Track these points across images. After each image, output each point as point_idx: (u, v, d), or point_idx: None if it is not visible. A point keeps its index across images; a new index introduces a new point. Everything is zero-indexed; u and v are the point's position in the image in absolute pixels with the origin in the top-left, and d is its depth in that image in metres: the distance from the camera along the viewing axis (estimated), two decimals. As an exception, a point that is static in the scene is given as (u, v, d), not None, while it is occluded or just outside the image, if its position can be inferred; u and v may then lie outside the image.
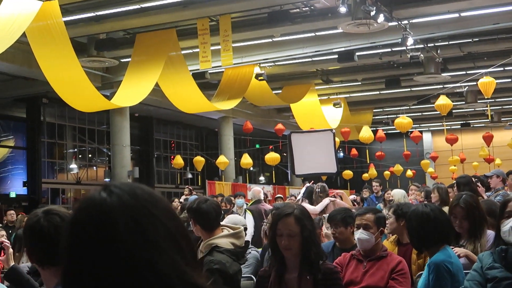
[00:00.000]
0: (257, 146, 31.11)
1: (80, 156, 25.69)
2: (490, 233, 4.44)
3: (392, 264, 4.20)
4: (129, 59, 15.80)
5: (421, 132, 29.73)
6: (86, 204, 1.28)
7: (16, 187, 22.84)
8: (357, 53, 17.25)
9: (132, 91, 15.12)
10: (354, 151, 28.79)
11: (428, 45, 17.41)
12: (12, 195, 22.33)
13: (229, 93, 17.80)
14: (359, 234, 4.33)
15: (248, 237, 7.79)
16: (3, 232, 9.48)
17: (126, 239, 1.21)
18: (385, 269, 4.21)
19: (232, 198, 12.89)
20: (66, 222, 1.31)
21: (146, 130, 27.48)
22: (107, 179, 22.90)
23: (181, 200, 14.10)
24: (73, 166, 24.16)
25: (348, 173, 28.69)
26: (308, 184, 9.77)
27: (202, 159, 24.27)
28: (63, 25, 12.48)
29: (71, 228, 1.27)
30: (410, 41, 14.86)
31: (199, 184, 26.57)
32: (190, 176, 28.53)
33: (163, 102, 17.70)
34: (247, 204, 11.20)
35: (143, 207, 1.26)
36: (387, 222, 5.01)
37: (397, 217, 5.11)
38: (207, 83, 19.64)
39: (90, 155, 26.41)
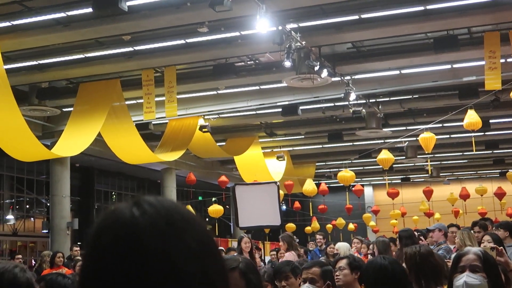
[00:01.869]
0: (200, 198, 30.88)
1: (17, 206, 24.99)
2: None
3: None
4: (72, 109, 15.60)
5: (362, 185, 30.07)
6: (113, 220, 1.11)
7: (-51, 238, 22.00)
8: (301, 107, 17.49)
9: (73, 141, 14.88)
10: (297, 204, 28.86)
11: (370, 100, 17.77)
12: None
13: (172, 145, 17.70)
14: (306, 289, 4.27)
15: None
16: None
17: (153, 274, 1.03)
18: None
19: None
20: (89, 235, 1.12)
21: (87, 181, 27.00)
22: (44, 231, 22.27)
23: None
24: (10, 217, 23.45)
25: (291, 226, 28.60)
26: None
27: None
28: (4, 73, 12.25)
29: (91, 248, 1.11)
30: (352, 96, 15.13)
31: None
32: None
33: (105, 153, 17.46)
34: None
35: (180, 240, 1.07)
36: (340, 273, 4.97)
37: (352, 269, 5.04)
38: (151, 134, 19.52)
39: (28, 206, 25.74)
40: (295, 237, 10.12)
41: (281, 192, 17.52)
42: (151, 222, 1.08)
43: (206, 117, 18.71)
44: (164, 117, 15.83)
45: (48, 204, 22.51)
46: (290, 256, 9.16)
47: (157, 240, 1.06)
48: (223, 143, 22.08)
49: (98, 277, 1.07)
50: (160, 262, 1.04)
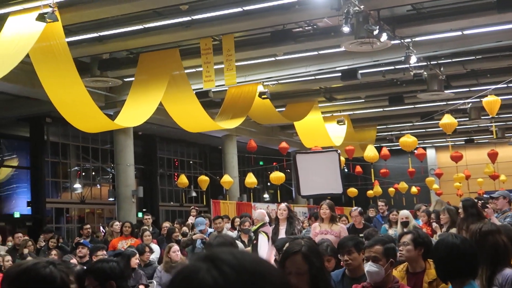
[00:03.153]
0: (261, 163, 31.05)
1: (83, 174, 25.66)
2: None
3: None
4: (133, 79, 15.80)
5: (424, 148, 29.66)
6: (190, 282, 1.07)
7: (20, 207, 22.77)
8: (360, 71, 17.26)
9: (136, 111, 15.09)
10: (358, 168, 28.70)
11: (431, 62, 17.40)
12: (16, 215, 22.26)
13: (232, 112, 17.77)
14: (368, 267, 4.25)
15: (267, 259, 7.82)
16: (9, 257, 9.22)
17: None
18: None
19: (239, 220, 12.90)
20: None
21: (150, 148, 27.44)
22: (111, 198, 22.83)
23: (190, 221, 14.01)
24: (77, 185, 24.10)
25: (352, 191, 28.56)
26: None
27: (207, 178, 24.19)
28: (66, 45, 12.48)
29: None
30: (413, 59, 14.83)
31: (204, 203, 26.48)
32: (194, 194, 28.46)
33: (166, 121, 17.67)
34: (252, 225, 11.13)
35: None
36: (403, 248, 4.93)
37: (416, 245, 4.96)
38: (211, 102, 19.62)
39: (93, 173, 26.40)
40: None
41: (342, 158, 17.40)
42: (229, 283, 1.05)
43: (265, 83, 18.67)
44: (223, 85, 15.88)
45: (113, 172, 23.04)
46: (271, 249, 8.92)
47: None
48: (283, 109, 22.05)
49: None
50: None
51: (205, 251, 1.15)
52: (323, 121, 23.02)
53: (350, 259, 5.10)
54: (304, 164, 10.81)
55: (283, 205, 9.55)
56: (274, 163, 26.94)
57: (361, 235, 8.00)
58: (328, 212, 8.59)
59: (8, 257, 9.15)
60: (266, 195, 33.64)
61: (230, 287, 1.04)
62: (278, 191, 25.74)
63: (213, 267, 1.07)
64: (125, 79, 17.52)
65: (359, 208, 11.06)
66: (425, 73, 17.10)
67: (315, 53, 16.54)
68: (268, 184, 31.43)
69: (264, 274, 1.09)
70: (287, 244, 3.74)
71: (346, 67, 16.95)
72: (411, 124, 24.72)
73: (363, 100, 23.72)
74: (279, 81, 19.53)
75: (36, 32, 11.48)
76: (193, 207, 16.41)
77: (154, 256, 10.83)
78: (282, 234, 8.89)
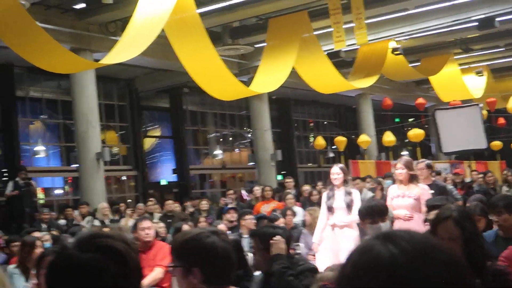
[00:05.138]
0: (397, 120, 30.48)
1: (221, 140, 26.38)
2: None
3: None
4: (264, 44, 15.94)
5: None
6: (370, 259, 1.10)
7: (166, 175, 23.83)
8: (498, 19, 16.39)
9: (269, 77, 15.25)
10: (501, 120, 27.46)
11: None
12: (163, 182, 23.31)
13: (365, 71, 17.53)
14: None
15: None
16: (162, 224, 9.55)
17: None
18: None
19: (381, 179, 12.72)
20: (344, 274, 1.14)
21: (285, 112, 27.67)
22: (251, 163, 23.34)
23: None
24: (218, 152, 24.82)
25: (496, 144, 27.37)
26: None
27: (344, 139, 24.13)
28: (198, 17, 12.78)
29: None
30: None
31: (342, 163, 26.41)
32: (331, 155, 28.45)
33: (299, 83, 17.71)
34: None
35: (439, 276, 1.07)
36: None
37: None
38: (342, 61, 19.43)
39: (231, 139, 27.08)
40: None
41: (484, 111, 16.71)
42: (410, 258, 1.08)
43: (397, 39, 18.22)
44: (354, 44, 15.67)
45: (251, 137, 23.50)
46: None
47: (418, 275, 1.06)
48: (417, 64, 21.45)
49: None
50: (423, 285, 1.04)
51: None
52: (461, 73, 22.17)
53: (499, 220, 4.90)
54: (444, 120, 10.52)
55: (336, 167, 8.01)
56: (412, 120, 26.35)
57: (430, 191, 7.42)
58: (404, 171, 7.37)
59: (161, 224, 9.48)
60: (404, 153, 33.04)
61: (406, 258, 1.07)
62: (418, 148, 25.20)
63: (387, 241, 1.11)
64: (256, 45, 17.70)
65: (426, 161, 9.43)
66: None
67: (449, 3, 15.89)
68: (406, 141, 30.84)
69: (436, 245, 1.12)
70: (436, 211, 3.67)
71: (482, 16, 16.16)
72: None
73: (503, 49, 22.54)
74: (412, 36, 18.95)
75: (169, 7, 11.82)
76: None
77: (298, 219, 10.93)
78: (338, 200, 7.78)
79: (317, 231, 7.91)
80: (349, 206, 7.64)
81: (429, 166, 9.02)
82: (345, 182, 7.83)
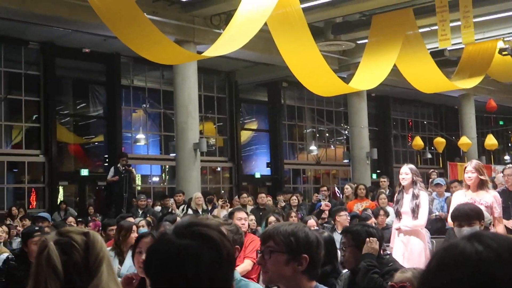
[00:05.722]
0: (501, 123, 29.44)
1: (318, 136, 26.32)
2: None
3: None
4: (366, 41, 15.76)
5: None
6: (456, 255, 1.12)
7: (260, 168, 24.02)
8: None
9: (369, 74, 15.05)
10: None
11: None
12: (257, 175, 23.53)
13: (470, 71, 17.01)
14: None
15: None
16: (252, 217, 9.62)
17: None
18: None
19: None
20: (429, 272, 1.16)
21: (383, 110, 27.30)
22: (345, 160, 23.18)
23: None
24: (313, 147, 24.79)
25: None
26: None
27: (443, 140, 23.57)
28: (301, 11, 12.78)
29: (437, 284, 1.13)
30: None
31: (440, 165, 25.85)
32: (429, 156, 27.87)
33: (400, 81, 17.41)
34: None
35: None
36: None
37: None
38: (446, 60, 18.92)
39: (327, 135, 26.97)
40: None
41: None
42: (496, 254, 1.09)
43: (506, 39, 17.57)
44: (460, 43, 15.24)
45: (347, 134, 23.33)
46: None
47: (505, 271, 1.07)
48: (526, 65, 20.61)
49: None
50: None
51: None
52: None
53: None
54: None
55: (405, 167, 7.42)
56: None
57: None
58: (474, 176, 6.53)
59: (252, 217, 9.53)
60: (507, 157, 31.89)
61: (491, 254, 1.09)
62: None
63: (473, 240, 1.12)
64: (358, 42, 17.53)
65: None
66: None
67: None
68: (509, 144, 29.77)
69: None
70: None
71: None
72: None
73: None
74: (521, 36, 18.23)
75: (273, 1, 11.87)
76: (432, 170, 16.04)
77: (390, 220, 10.76)
78: (406, 204, 7.22)
79: (392, 236, 7.49)
80: (414, 211, 7.12)
81: None
82: (414, 183, 7.23)
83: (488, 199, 6.42)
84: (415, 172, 7.30)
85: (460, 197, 6.62)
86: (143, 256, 3.75)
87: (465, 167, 6.70)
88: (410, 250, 7.10)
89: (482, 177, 6.53)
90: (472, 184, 6.53)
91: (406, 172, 7.25)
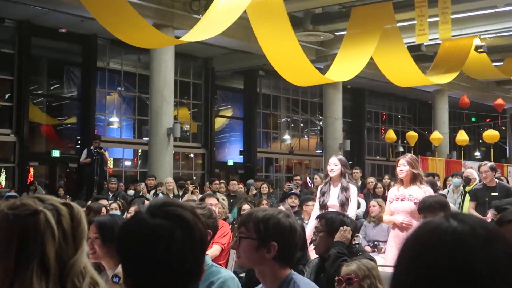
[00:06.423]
0: (474, 119, 29.76)
1: (292, 125, 26.38)
2: None
3: None
4: (344, 33, 15.79)
5: None
6: (431, 228, 1.16)
7: (233, 155, 24.01)
8: None
9: (346, 66, 15.11)
10: None
11: None
12: (230, 163, 23.52)
13: (445, 66, 17.16)
14: None
15: None
16: (225, 203, 9.65)
17: (483, 277, 1.08)
18: None
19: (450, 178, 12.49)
20: (408, 243, 1.18)
21: (358, 102, 27.43)
22: (318, 150, 23.27)
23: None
24: (287, 137, 24.83)
25: None
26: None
27: (415, 134, 23.74)
28: (281, 1, 12.75)
29: (412, 252, 1.16)
30: None
31: (411, 159, 26.00)
32: (401, 149, 28.08)
33: (376, 74, 17.49)
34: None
35: (499, 247, 1.12)
36: None
37: None
38: (423, 56, 19.06)
39: (302, 125, 27.04)
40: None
41: None
42: (471, 229, 1.13)
43: (482, 36, 17.72)
44: (437, 39, 15.34)
45: (321, 125, 23.40)
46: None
47: (479, 244, 1.11)
48: (501, 63, 20.82)
49: (422, 277, 1.12)
50: (483, 265, 1.09)
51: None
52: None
53: None
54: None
55: (334, 158, 6.92)
56: (488, 120, 25.70)
57: (494, 193, 7.15)
58: (406, 169, 6.20)
59: (224, 203, 9.60)
60: (477, 153, 32.25)
61: (466, 228, 1.13)
62: (491, 149, 24.58)
63: (450, 218, 1.16)
64: (337, 33, 17.55)
65: (490, 163, 8.91)
66: None
67: (540, 3, 15.35)
68: (480, 141, 30.12)
69: (490, 225, 1.18)
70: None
71: None
72: None
73: None
74: (498, 34, 18.39)
75: (253, -12, 11.83)
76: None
77: (360, 211, 10.82)
78: (333, 197, 6.78)
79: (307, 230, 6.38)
80: (343, 204, 6.67)
81: (493, 168, 8.64)
82: (342, 175, 6.76)
83: (418, 194, 6.03)
84: (344, 163, 6.88)
85: (392, 193, 6.38)
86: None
87: (398, 160, 6.39)
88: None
89: (414, 171, 6.20)
90: (405, 178, 6.22)
91: (335, 163, 6.82)
